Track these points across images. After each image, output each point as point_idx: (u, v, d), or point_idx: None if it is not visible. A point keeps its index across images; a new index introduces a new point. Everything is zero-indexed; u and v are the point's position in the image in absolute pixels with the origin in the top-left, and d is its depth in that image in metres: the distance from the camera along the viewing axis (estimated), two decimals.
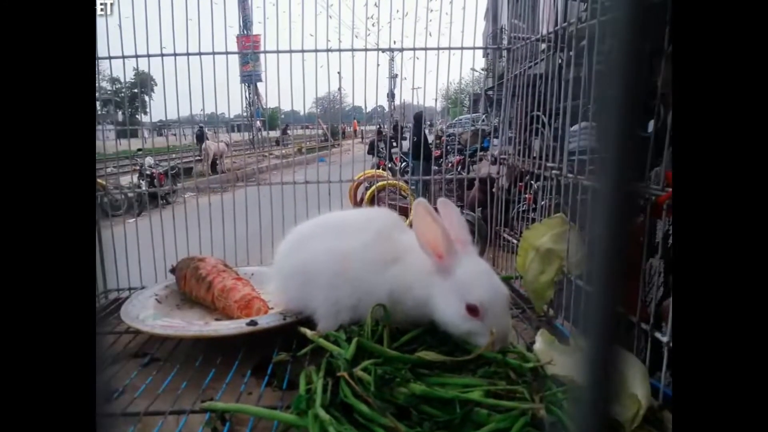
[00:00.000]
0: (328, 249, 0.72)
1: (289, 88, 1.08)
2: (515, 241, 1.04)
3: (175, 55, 1.03)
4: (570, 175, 0.78)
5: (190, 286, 0.91)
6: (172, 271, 0.97)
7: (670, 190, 0.55)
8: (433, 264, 0.66)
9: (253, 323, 0.75)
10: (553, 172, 0.84)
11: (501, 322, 0.63)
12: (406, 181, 1.47)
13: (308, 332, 0.68)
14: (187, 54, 1.03)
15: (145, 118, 1.32)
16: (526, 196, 1.14)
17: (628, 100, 0.15)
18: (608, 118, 0.15)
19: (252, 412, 0.57)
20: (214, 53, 1.04)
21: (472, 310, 0.63)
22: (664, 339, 0.56)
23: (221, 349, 0.75)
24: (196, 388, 0.66)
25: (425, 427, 0.49)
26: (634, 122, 0.15)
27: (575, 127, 0.84)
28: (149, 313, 0.83)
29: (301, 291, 0.75)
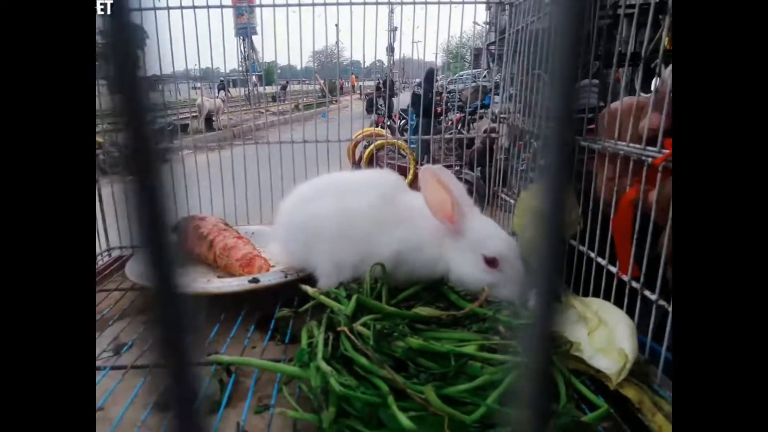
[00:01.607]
0: (333, 208, 0.73)
1: (286, 42, 1.05)
2: (512, 201, 1.04)
3: (168, 8, 1.00)
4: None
5: (191, 245, 0.92)
6: (174, 230, 0.98)
7: (666, 152, 0.55)
8: (445, 228, 0.68)
9: (255, 281, 0.77)
10: None
11: (517, 269, 0.67)
12: (405, 140, 1.45)
13: (309, 289, 0.70)
14: (181, 8, 1.00)
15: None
16: (526, 155, 1.14)
17: (567, 48, 0.15)
18: (552, 66, 0.15)
19: (256, 365, 0.59)
20: (208, 6, 1.01)
21: (491, 262, 0.66)
22: (653, 297, 0.58)
23: (224, 305, 0.78)
24: (201, 343, 0.68)
25: (421, 379, 0.51)
26: (572, 71, 0.15)
27: (584, 83, 0.83)
28: None
29: (303, 249, 0.77)
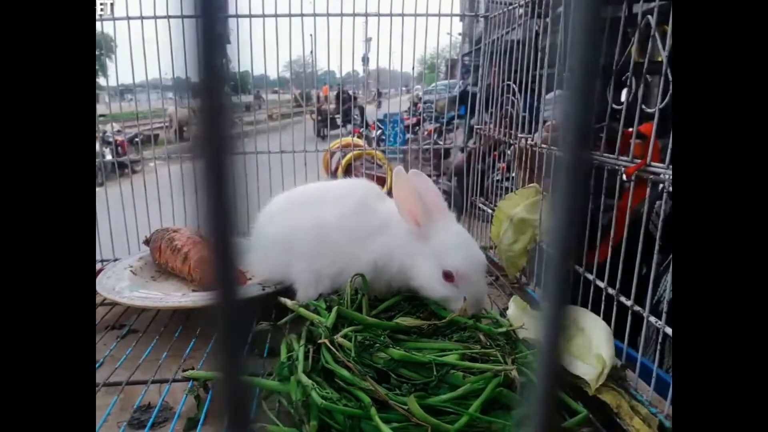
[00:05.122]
0: (310, 219, 0.73)
1: (261, 51, 1.05)
2: (490, 211, 1.06)
3: (142, 18, 0.98)
4: (544, 145, 0.80)
5: (166, 258, 0.90)
6: (146, 242, 0.96)
7: (639, 161, 0.57)
8: (413, 231, 0.68)
9: None
10: (528, 142, 0.85)
11: (476, 288, 0.66)
12: (382, 150, 1.46)
13: (288, 302, 0.69)
14: (155, 17, 0.98)
15: (105, 83, 1.26)
16: (501, 165, 1.16)
17: (584, 69, 0.16)
18: (569, 88, 0.16)
19: None
20: (183, 17, 1.00)
21: (448, 276, 0.65)
22: (629, 303, 0.59)
23: (200, 319, 0.76)
24: (177, 358, 0.66)
25: (404, 390, 0.51)
26: (589, 91, 0.16)
27: (550, 95, 0.85)
28: (125, 285, 0.82)
29: (281, 261, 0.76)
